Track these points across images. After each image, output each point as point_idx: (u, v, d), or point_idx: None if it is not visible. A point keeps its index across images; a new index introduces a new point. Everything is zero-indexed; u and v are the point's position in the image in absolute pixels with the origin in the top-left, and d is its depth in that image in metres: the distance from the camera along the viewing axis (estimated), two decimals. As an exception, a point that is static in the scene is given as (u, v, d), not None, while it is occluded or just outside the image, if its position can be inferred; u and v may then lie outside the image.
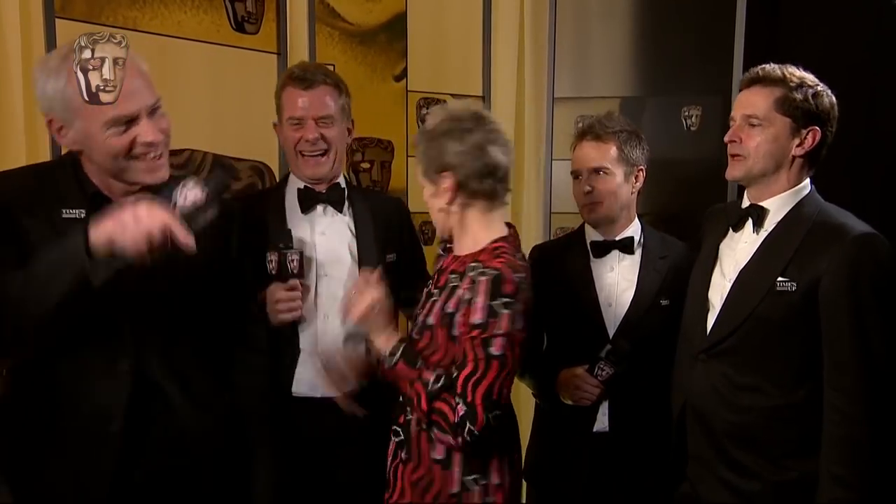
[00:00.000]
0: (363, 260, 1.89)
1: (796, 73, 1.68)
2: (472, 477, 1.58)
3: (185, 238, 1.29)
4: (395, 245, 1.98)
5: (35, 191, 1.43)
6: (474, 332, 1.49)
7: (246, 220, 1.69)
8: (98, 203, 1.43)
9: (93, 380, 1.41)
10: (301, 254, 1.80)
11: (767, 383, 1.65)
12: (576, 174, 1.97)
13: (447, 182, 1.58)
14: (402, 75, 2.77)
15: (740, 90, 1.75)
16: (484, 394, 1.47)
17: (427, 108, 2.84)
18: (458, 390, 1.49)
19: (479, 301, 1.49)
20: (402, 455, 1.64)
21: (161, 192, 1.39)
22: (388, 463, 1.69)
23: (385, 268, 1.84)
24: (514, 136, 2.92)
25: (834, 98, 1.68)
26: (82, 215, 1.41)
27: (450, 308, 1.55)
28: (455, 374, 1.50)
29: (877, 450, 1.55)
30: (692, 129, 2.75)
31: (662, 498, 1.87)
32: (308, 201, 1.90)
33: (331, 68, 1.96)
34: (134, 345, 1.43)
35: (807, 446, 1.60)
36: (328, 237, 1.90)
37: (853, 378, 1.56)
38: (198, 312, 1.52)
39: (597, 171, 1.92)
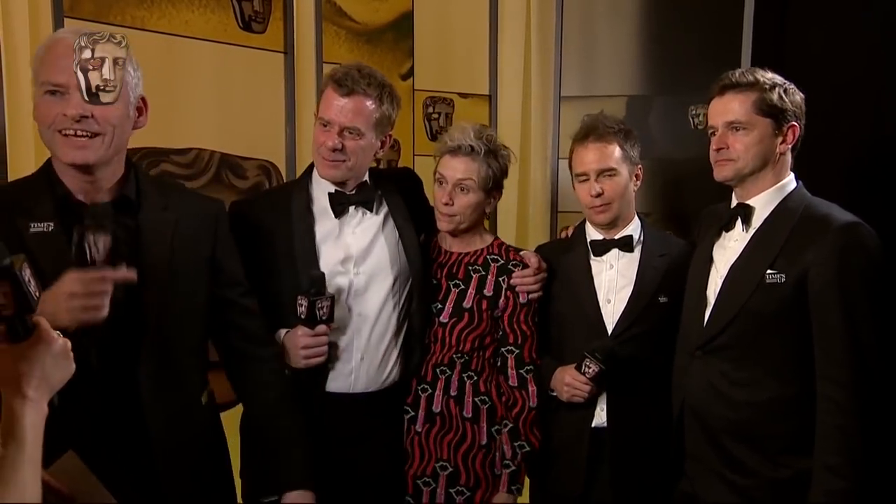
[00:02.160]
0: (407, 244, 1.92)
1: (766, 74, 1.74)
2: (495, 428, 1.91)
3: (125, 276, 1.32)
4: (424, 221, 2.02)
5: (4, 203, 1.41)
6: (523, 310, 1.92)
7: (250, 219, 1.70)
8: (68, 210, 1.41)
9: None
10: (332, 299, 1.77)
11: (763, 377, 1.67)
12: (581, 177, 1.96)
13: (499, 196, 2.00)
14: (409, 74, 2.78)
15: (711, 98, 1.79)
16: (538, 352, 1.96)
17: (434, 107, 2.84)
18: (527, 360, 1.92)
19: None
20: (417, 428, 1.92)
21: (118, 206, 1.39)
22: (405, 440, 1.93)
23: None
24: (521, 135, 2.92)
25: (801, 93, 1.75)
26: (50, 228, 1.38)
27: (488, 292, 1.93)
28: (517, 351, 1.92)
29: (869, 439, 1.56)
30: (699, 127, 2.74)
31: (662, 493, 1.88)
32: (340, 205, 1.88)
33: (380, 73, 1.88)
34: (118, 358, 1.42)
35: (804, 441, 1.61)
36: (358, 236, 1.89)
37: (845, 368, 1.57)
38: (177, 314, 1.50)
39: (606, 172, 1.92)
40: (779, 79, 1.74)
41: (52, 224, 1.38)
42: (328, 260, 1.84)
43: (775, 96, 1.70)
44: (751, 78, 1.73)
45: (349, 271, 1.86)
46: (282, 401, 1.66)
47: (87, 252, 1.33)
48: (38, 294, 1.05)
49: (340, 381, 1.86)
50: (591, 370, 1.84)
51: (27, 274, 1.03)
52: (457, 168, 1.91)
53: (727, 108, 1.74)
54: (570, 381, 1.88)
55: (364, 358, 1.87)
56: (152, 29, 2.19)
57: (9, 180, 1.89)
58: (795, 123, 1.72)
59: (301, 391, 1.81)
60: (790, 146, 1.73)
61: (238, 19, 2.37)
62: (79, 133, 1.38)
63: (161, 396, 1.47)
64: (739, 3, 2.61)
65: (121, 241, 1.41)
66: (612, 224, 1.98)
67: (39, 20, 1.98)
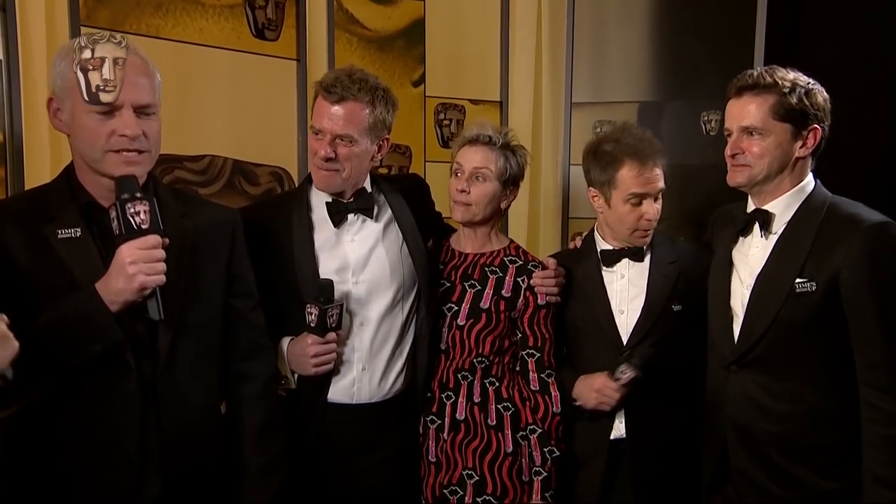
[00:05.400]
0: (413, 251, 1.90)
1: (787, 75, 1.64)
2: (520, 434, 1.88)
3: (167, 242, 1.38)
4: (431, 228, 2.01)
5: (25, 211, 1.42)
6: (542, 312, 1.90)
7: (251, 226, 1.69)
8: (93, 216, 1.43)
9: (101, 403, 1.41)
10: (341, 307, 1.76)
11: (802, 388, 1.61)
12: (633, 198, 1.90)
13: (515, 193, 1.98)
14: (421, 81, 2.79)
15: (728, 98, 1.70)
16: (556, 355, 1.94)
17: (445, 114, 2.85)
18: (547, 364, 1.91)
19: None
20: (444, 436, 1.90)
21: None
22: (432, 449, 1.92)
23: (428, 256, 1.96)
24: (532, 141, 2.92)
25: (825, 93, 1.65)
26: (77, 234, 1.39)
27: (506, 293, 1.90)
28: (538, 354, 1.90)
29: None
30: (711, 133, 2.74)
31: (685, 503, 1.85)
32: (338, 214, 1.86)
33: (373, 76, 1.85)
34: (137, 365, 1.42)
35: (853, 451, 1.54)
36: (357, 244, 1.87)
37: (887, 373, 1.51)
38: (196, 320, 1.51)
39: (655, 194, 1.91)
40: (802, 79, 1.64)
41: (78, 230, 1.40)
42: (326, 269, 1.82)
43: (794, 99, 1.61)
44: (769, 79, 1.63)
45: (347, 280, 1.84)
46: (263, 429, 1.63)
47: (133, 221, 1.35)
48: None
49: (342, 392, 1.83)
50: (626, 376, 1.81)
51: None
52: (474, 157, 1.91)
53: (743, 112, 1.65)
54: (601, 388, 1.84)
55: (366, 368, 1.84)
56: (167, 37, 2.21)
57: (25, 184, 1.92)
58: (817, 126, 1.63)
59: (303, 403, 1.81)
60: (811, 150, 1.64)
61: (251, 27, 2.39)
62: (131, 150, 1.40)
63: (178, 404, 1.47)
64: (751, 8, 2.61)
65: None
66: None
67: (56, 29, 2.00)
